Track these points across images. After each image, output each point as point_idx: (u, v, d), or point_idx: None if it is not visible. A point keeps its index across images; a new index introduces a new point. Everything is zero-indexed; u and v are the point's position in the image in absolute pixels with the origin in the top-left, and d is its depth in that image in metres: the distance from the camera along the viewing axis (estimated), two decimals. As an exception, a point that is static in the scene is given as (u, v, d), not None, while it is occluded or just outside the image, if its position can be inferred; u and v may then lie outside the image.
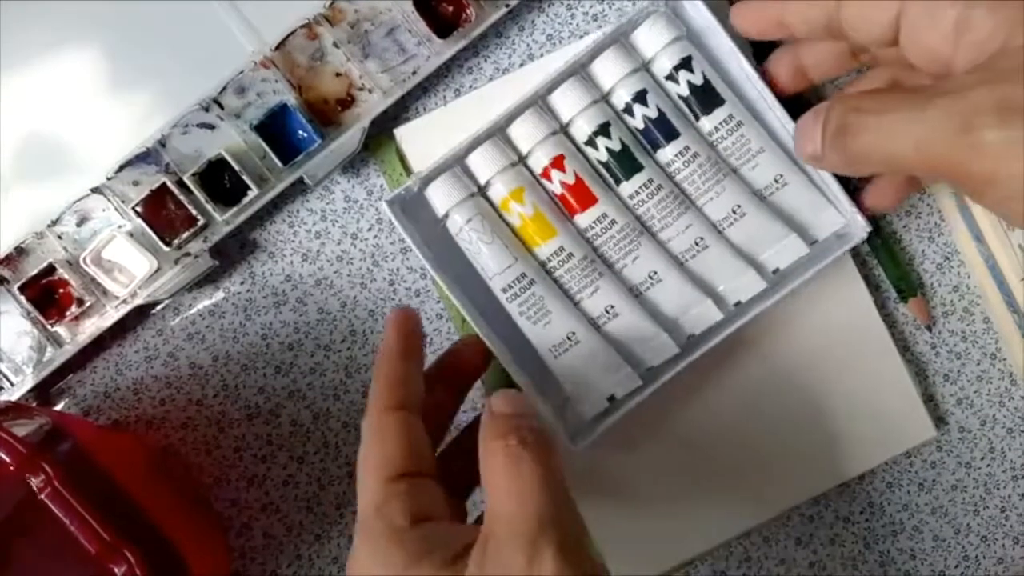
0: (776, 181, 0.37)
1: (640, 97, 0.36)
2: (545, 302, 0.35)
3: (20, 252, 0.38)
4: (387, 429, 0.30)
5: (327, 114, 0.39)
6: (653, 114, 0.36)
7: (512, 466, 0.27)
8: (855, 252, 0.41)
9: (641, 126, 0.36)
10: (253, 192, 0.38)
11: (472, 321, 0.35)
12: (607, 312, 0.36)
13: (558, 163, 0.36)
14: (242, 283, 0.41)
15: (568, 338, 0.35)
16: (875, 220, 0.41)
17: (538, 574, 0.25)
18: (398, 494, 0.28)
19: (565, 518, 0.26)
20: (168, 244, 0.38)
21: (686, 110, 0.37)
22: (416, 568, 0.26)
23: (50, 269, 0.38)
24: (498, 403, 0.29)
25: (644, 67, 0.37)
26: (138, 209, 0.38)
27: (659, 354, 0.36)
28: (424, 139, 0.40)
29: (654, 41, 0.36)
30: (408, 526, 0.27)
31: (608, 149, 0.36)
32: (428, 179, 0.36)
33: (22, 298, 0.38)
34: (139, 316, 0.40)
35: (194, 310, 0.41)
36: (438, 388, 0.34)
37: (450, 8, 0.39)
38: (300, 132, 0.39)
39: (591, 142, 0.36)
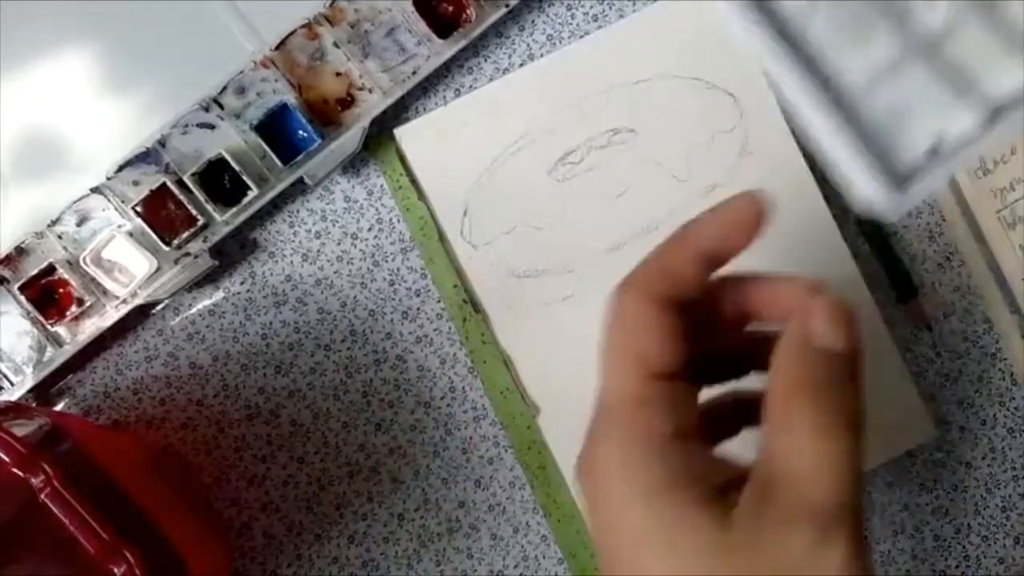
0: None
1: None
2: (866, 14, 0.23)
3: (20, 252, 0.38)
4: (642, 317, 0.25)
5: (327, 114, 0.39)
6: None
7: (827, 431, 0.23)
8: (855, 253, 0.41)
9: None
10: (253, 192, 0.38)
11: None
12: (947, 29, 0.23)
13: None
14: (242, 283, 0.41)
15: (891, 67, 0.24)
16: (875, 221, 0.41)
17: (822, 563, 0.22)
18: (663, 398, 0.24)
19: (860, 516, 0.23)
20: (168, 244, 0.38)
21: None
22: (675, 492, 0.23)
23: (50, 269, 0.38)
24: (830, 332, 0.24)
25: None
26: (138, 209, 0.38)
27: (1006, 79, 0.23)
28: (424, 139, 0.40)
29: None
30: (672, 437, 0.24)
31: None
32: None
33: (22, 298, 0.38)
34: (139, 316, 0.40)
35: (194, 310, 0.41)
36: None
37: (450, 8, 0.39)
38: (300, 132, 0.39)
39: None
